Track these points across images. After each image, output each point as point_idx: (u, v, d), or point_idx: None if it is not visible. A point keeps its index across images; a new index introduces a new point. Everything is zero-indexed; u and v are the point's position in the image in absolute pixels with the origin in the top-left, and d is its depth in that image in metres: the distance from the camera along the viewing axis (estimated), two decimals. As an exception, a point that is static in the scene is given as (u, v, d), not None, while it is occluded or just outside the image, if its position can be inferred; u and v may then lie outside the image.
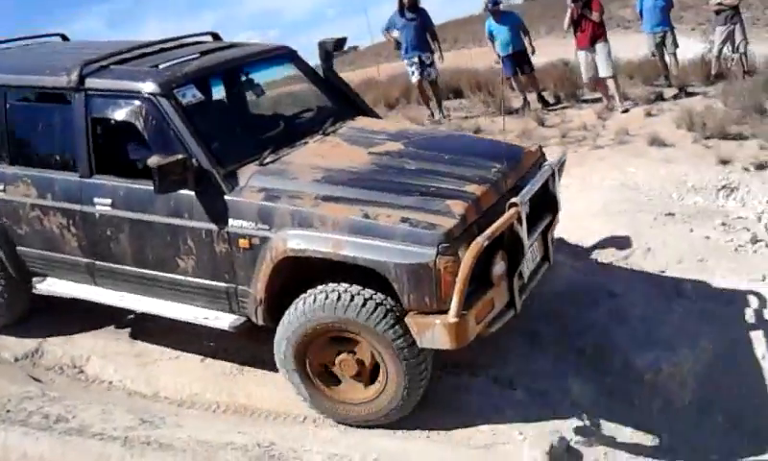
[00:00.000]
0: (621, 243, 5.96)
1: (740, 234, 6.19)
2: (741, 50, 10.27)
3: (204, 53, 4.82)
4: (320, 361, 3.97)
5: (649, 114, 9.32)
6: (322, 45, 5.06)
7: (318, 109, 5.03)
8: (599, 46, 9.55)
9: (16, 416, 4.18)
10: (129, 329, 5.16)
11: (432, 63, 10.06)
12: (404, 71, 10.79)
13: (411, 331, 3.64)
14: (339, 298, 3.73)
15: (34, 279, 4.85)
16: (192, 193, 4.02)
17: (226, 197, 3.98)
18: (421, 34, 9.97)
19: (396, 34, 10.08)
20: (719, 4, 10.28)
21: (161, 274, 4.29)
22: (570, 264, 5.50)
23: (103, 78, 4.38)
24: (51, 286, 4.80)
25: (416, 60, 9.95)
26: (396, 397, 3.85)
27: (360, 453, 3.76)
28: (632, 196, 6.99)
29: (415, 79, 10.11)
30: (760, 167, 7.42)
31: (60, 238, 4.57)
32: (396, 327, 3.68)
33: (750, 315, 5.15)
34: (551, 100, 10.58)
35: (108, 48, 4.76)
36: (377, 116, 5.22)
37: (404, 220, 3.65)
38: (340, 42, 5.09)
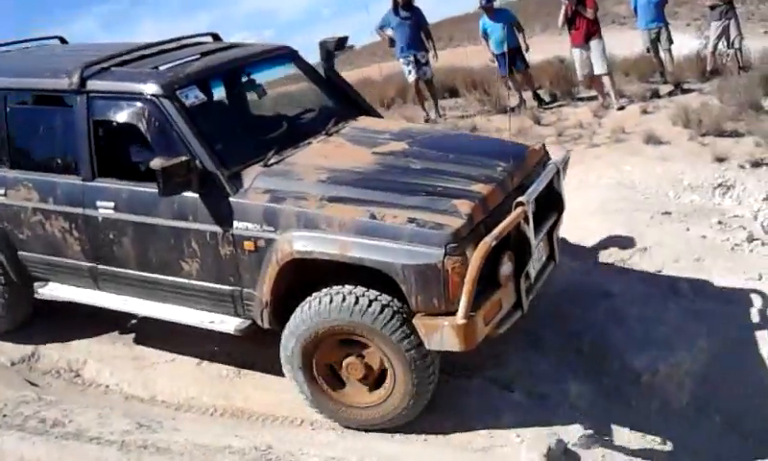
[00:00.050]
0: (618, 242, 5.96)
1: (736, 233, 6.21)
2: (736, 45, 10.30)
3: (204, 54, 4.80)
4: (326, 362, 3.95)
5: (645, 112, 9.35)
6: (323, 45, 5.05)
7: (320, 110, 5.01)
8: (593, 43, 9.56)
9: (13, 420, 4.16)
10: (125, 333, 5.14)
11: (427, 62, 10.05)
12: (399, 70, 10.77)
13: (419, 333, 3.62)
14: (344, 299, 3.72)
15: (35, 284, 4.82)
16: (196, 195, 4.00)
17: (230, 199, 3.96)
18: (416, 32, 9.95)
19: (389, 32, 10.06)
20: (713, -1, 10.30)
21: (165, 277, 4.27)
22: (567, 264, 5.47)
23: (104, 80, 4.36)
24: (53, 291, 4.77)
25: (411, 59, 9.93)
26: (403, 400, 3.83)
27: (358, 457, 3.75)
28: (628, 195, 7.00)
29: (412, 78, 10.08)
30: (756, 165, 7.45)
31: (62, 242, 4.54)
32: (404, 328, 3.66)
33: (747, 314, 5.15)
34: (547, 98, 10.59)
35: (108, 50, 4.74)
36: (379, 116, 5.21)
37: (411, 220, 3.64)
38: (341, 42, 5.07)
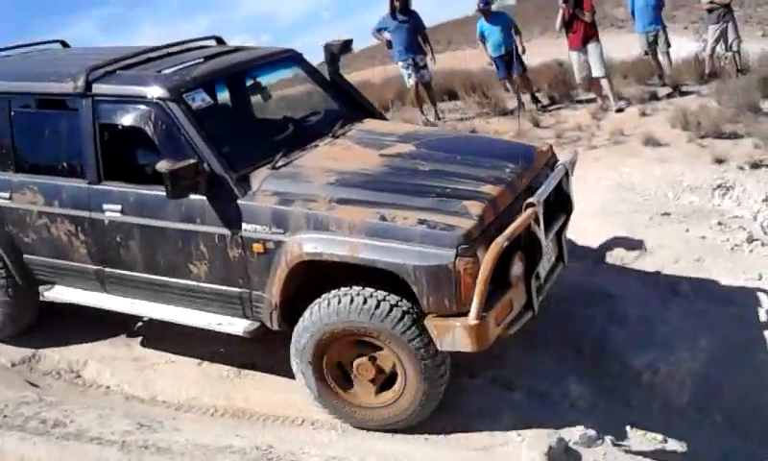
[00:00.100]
0: (618, 243, 5.98)
1: (736, 234, 6.22)
2: (734, 48, 10.35)
3: (209, 57, 4.79)
4: (336, 360, 3.94)
5: (643, 114, 9.38)
6: (328, 48, 5.05)
7: (326, 112, 5.00)
8: (591, 46, 9.59)
9: (13, 421, 4.16)
10: (126, 334, 5.13)
11: (425, 65, 10.05)
12: (397, 74, 10.77)
13: (431, 334, 3.62)
14: (352, 301, 3.72)
15: (41, 287, 4.80)
16: (204, 198, 3.99)
17: (239, 201, 3.95)
18: (414, 36, 9.94)
19: (387, 35, 10.06)
20: (711, 2, 10.33)
21: (173, 280, 4.26)
22: (568, 265, 5.51)
23: (110, 83, 4.34)
24: (59, 294, 4.75)
25: (410, 62, 9.94)
26: (414, 401, 3.83)
27: (358, 456, 3.75)
28: (628, 196, 7.02)
29: (411, 82, 10.08)
30: (755, 166, 7.48)
31: (68, 245, 4.52)
32: (415, 329, 3.66)
33: (747, 314, 5.16)
34: (545, 101, 10.61)
35: (112, 54, 4.73)
36: (384, 118, 5.21)
37: (422, 221, 3.63)
38: (346, 45, 5.08)
